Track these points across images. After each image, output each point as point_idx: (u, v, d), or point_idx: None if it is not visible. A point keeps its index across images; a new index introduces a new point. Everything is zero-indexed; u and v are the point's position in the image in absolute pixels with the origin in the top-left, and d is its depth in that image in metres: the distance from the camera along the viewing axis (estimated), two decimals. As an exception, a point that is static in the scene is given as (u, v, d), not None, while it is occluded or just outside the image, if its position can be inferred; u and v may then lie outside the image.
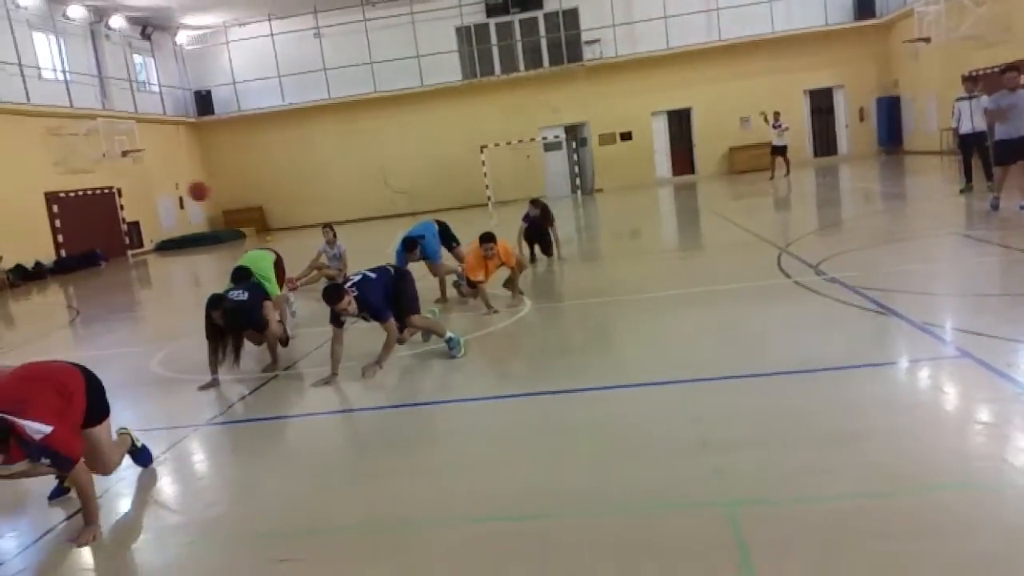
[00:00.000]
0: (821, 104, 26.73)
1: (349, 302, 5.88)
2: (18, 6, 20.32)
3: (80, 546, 3.48)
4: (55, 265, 20.22)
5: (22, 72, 20.12)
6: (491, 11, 26.78)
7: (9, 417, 3.25)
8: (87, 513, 3.61)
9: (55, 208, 20.91)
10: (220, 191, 28.75)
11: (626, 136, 27.01)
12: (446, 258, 9.35)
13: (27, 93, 20.19)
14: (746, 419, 4.19)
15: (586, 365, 5.81)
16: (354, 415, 5.44)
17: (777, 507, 3.18)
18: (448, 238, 9.44)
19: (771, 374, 4.92)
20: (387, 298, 6.12)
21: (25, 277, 18.68)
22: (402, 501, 3.72)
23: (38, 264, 19.56)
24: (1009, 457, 3.37)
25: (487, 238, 7.92)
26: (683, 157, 27.31)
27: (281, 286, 8.23)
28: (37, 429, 3.27)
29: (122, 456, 4.23)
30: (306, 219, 27.06)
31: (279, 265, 8.22)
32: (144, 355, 7.90)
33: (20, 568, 3.44)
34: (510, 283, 8.39)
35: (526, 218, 11.08)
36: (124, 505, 4.14)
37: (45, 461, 3.43)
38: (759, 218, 13.57)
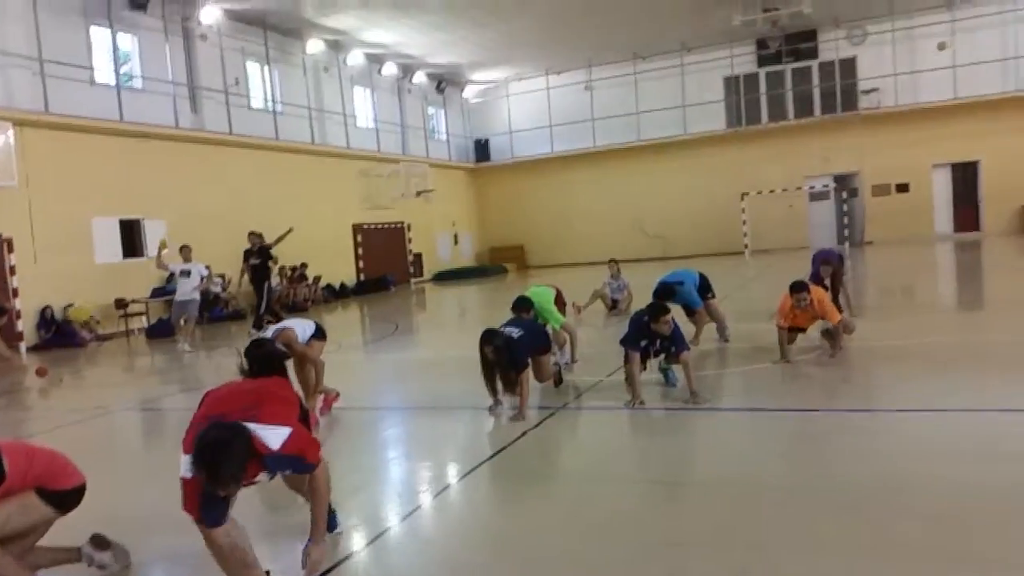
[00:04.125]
0: None
1: (668, 323, 5.91)
2: (346, 64, 23.89)
3: (312, 573, 3.11)
4: (355, 286, 23.22)
5: (345, 120, 23.58)
6: (763, 61, 26.88)
7: (249, 425, 2.88)
8: (317, 528, 3.17)
9: (359, 238, 24.12)
10: (488, 230, 31.35)
11: (902, 188, 25.63)
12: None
13: (347, 138, 23.60)
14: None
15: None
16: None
17: None
18: (704, 288, 9.29)
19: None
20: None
21: (333, 294, 21.68)
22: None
23: (342, 284, 22.59)
24: None
25: (797, 287, 7.28)
26: (967, 212, 25.34)
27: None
28: (275, 434, 2.90)
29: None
30: (562, 259, 28.58)
31: (559, 299, 8.53)
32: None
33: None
34: (829, 335, 7.65)
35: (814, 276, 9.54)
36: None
37: (287, 472, 3.14)
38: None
